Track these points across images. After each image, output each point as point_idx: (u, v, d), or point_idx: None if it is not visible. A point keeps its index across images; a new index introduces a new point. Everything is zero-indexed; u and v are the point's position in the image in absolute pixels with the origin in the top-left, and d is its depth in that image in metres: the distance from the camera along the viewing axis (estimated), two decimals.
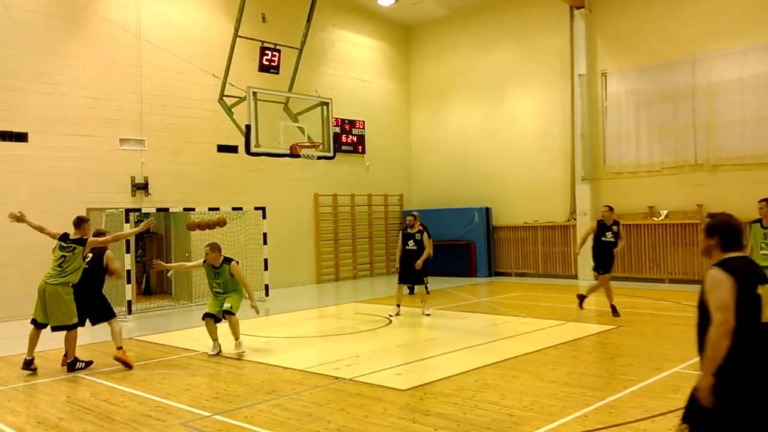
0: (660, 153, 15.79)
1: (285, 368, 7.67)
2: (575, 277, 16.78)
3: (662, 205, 15.65)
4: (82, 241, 7.86)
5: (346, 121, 18.90)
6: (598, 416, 5.49)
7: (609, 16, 16.81)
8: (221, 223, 8.66)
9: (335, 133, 17.63)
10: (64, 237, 7.95)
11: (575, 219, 16.89)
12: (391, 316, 11.32)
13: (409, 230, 11.46)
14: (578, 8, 17.01)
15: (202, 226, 11.27)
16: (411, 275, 11.36)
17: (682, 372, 6.95)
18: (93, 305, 8.16)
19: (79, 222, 8.04)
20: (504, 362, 7.69)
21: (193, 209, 13.77)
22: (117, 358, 7.91)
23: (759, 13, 14.31)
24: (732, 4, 14.67)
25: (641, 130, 16.19)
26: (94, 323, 8.32)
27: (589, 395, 6.13)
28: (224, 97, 13.02)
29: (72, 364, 7.82)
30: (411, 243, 11.32)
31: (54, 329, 7.80)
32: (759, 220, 9.46)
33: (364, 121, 19.45)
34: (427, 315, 11.15)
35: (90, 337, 9.56)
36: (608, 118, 16.84)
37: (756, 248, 9.31)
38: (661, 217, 15.60)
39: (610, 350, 8.46)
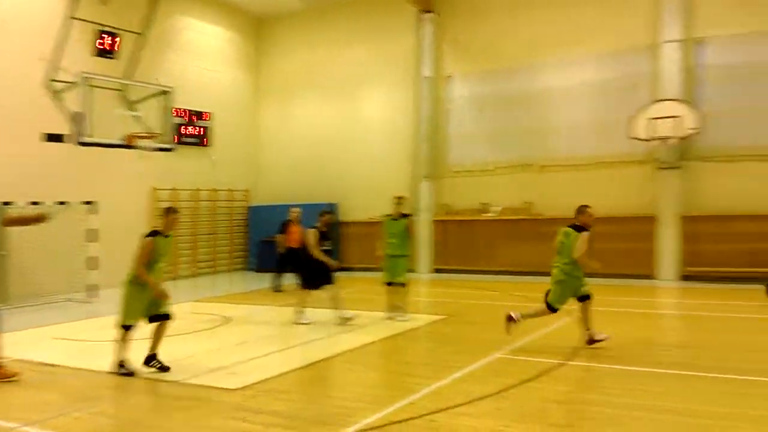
0: (497, 153, 16.85)
1: (109, 373, 7.21)
2: (412, 270, 17.43)
3: (496, 202, 16.71)
4: None
5: (192, 112, 18.17)
6: (424, 403, 5.72)
7: (456, 22, 17.61)
8: (41, 218, 7.89)
9: (178, 124, 16.94)
10: None
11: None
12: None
13: (322, 228, 9.94)
14: (426, 12, 17.66)
15: (20, 221, 10.27)
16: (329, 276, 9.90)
17: (503, 357, 7.46)
18: None
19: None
20: (340, 355, 7.79)
21: (12, 203, 12.56)
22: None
23: (594, 25, 15.69)
24: (570, 16, 15.97)
25: (481, 132, 17.19)
26: None
27: (418, 383, 6.36)
28: (53, 82, 11.99)
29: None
30: (327, 243, 9.92)
31: None
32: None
33: (210, 113, 18.81)
34: (306, 323, 9.89)
35: None
36: (451, 120, 17.68)
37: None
38: (494, 213, 16.64)
39: (440, 339, 8.88)
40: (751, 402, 5.65)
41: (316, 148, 19.47)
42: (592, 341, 7.68)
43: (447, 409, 5.54)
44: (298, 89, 20.10)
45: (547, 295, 7.87)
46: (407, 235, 10.18)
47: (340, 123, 19.34)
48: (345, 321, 9.69)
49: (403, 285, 10.13)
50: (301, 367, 7.26)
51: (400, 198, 10.39)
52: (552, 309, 7.82)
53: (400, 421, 5.23)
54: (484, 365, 7.07)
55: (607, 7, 15.62)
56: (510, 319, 7.89)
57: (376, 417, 5.35)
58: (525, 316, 7.94)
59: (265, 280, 15.22)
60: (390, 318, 10.01)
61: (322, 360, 7.59)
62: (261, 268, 18.30)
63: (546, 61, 16.31)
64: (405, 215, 10.29)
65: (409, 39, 18.07)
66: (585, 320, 7.76)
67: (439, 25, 17.76)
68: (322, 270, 9.80)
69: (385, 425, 5.16)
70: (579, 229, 7.67)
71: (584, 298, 7.75)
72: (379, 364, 7.55)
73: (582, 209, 7.84)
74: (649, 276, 14.56)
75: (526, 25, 16.55)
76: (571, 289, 7.74)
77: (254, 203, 20.07)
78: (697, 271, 14.28)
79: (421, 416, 5.34)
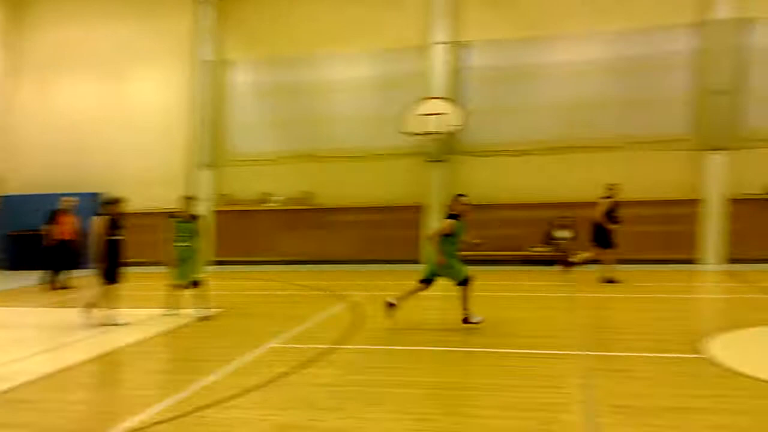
0: (279, 143, 16.89)
1: None
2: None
3: (277, 191, 16.78)
4: None
5: None
6: (194, 399, 5.58)
7: (237, 7, 17.22)
8: None
9: None
10: None
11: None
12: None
13: (114, 216, 9.12)
14: None
15: None
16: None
17: (277, 347, 7.55)
18: None
19: None
20: (103, 357, 7.29)
21: None
22: None
23: (371, 23, 16.28)
24: (350, 12, 16.43)
25: (263, 121, 17.09)
26: None
27: (189, 379, 6.18)
28: None
29: None
30: (120, 232, 9.12)
31: None
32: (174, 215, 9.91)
33: None
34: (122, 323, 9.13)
35: None
36: (233, 107, 17.32)
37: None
38: (275, 203, 16.70)
39: (215, 333, 8.67)
40: (495, 371, 6.37)
41: (82, 133, 17.86)
42: (467, 321, 8.21)
43: (217, 403, 5.47)
44: (62, 67, 18.23)
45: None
46: (197, 236, 9.72)
47: (110, 106, 17.94)
48: (114, 323, 9.02)
49: (198, 283, 9.62)
50: (57, 372, 6.65)
51: (190, 198, 9.92)
52: (464, 282, 8.17)
53: (167, 420, 5.06)
54: (257, 356, 7.09)
55: (384, 8, 16.39)
56: (466, 321, 8.17)
57: (140, 418, 5.12)
58: (466, 307, 8.22)
59: (16, 278, 13.68)
60: (173, 315, 9.55)
61: (82, 363, 7.02)
62: (13, 266, 16.38)
63: (327, 53, 16.68)
64: (195, 217, 9.81)
65: (187, 19, 17.33)
66: (464, 301, 8.27)
67: (219, 9, 17.27)
68: (116, 262, 9.01)
69: (151, 425, 4.97)
70: (452, 216, 8.28)
71: (464, 282, 8.22)
72: (147, 364, 7.19)
73: (455, 198, 8.46)
74: (415, 260, 15.65)
75: (309, 16, 16.78)
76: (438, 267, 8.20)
77: (7, 193, 17.84)
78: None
79: (189, 413, 5.22)
